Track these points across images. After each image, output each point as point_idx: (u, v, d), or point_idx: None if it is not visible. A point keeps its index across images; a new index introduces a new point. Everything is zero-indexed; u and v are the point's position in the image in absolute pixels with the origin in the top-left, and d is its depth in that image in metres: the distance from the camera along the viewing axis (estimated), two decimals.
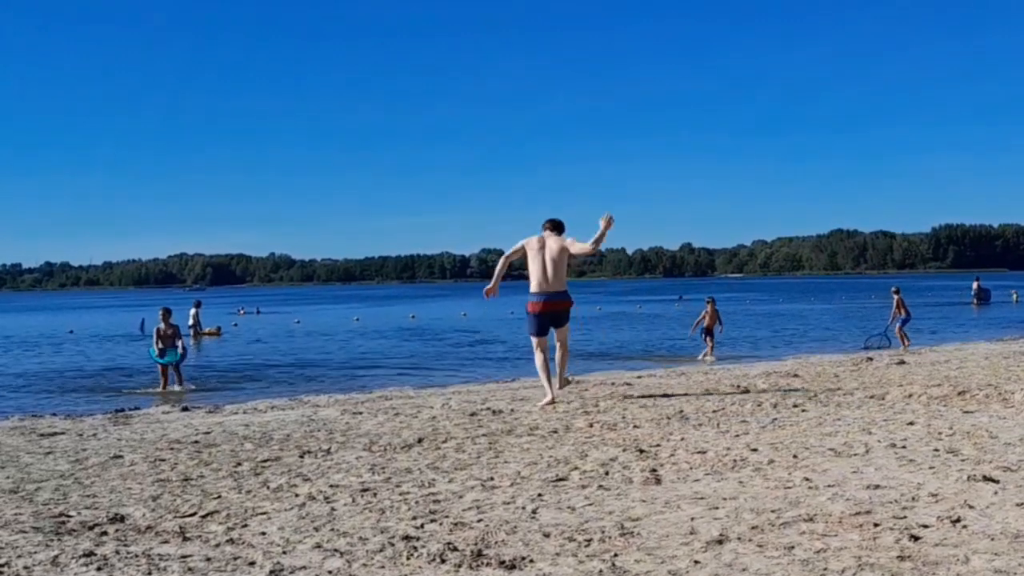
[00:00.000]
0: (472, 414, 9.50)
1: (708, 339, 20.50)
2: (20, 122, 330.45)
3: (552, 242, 10.04)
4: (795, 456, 6.69)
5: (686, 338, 23.01)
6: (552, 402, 9.90)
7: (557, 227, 10.22)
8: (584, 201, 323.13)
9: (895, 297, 22.64)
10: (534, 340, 10.22)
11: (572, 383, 11.04)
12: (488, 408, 9.92)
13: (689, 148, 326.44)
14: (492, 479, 6.24)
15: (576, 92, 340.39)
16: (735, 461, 6.57)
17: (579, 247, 10.10)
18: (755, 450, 6.99)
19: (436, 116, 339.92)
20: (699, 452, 6.97)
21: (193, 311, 31.41)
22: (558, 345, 10.41)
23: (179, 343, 16.12)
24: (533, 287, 10.04)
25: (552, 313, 10.11)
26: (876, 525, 4.73)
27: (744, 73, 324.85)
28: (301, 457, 7.30)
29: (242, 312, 53.08)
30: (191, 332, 30.41)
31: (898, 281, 35.80)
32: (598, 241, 10.08)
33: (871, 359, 15.78)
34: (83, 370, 20.76)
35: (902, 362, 14.79)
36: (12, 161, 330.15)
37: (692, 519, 5.00)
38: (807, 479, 5.89)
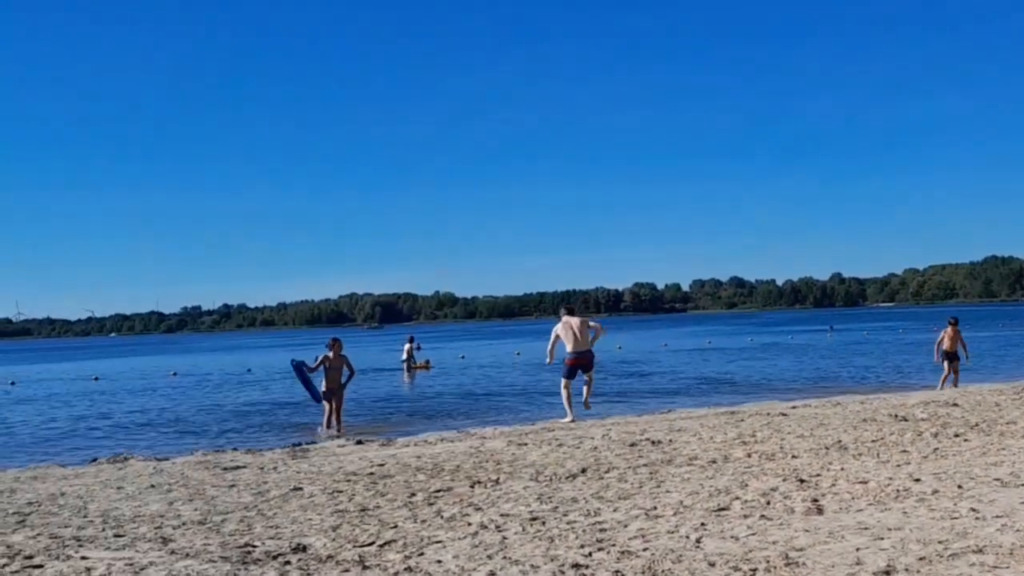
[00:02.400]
0: (632, 444, 9.69)
1: (949, 365, 18.63)
2: (203, 174, 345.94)
3: (577, 321, 14.25)
4: (960, 486, 6.64)
5: (931, 364, 21.68)
6: (573, 421, 13.50)
7: (572, 310, 14.63)
8: (731, 235, 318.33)
9: None
10: (564, 381, 14.17)
11: (591, 409, 14.34)
12: (647, 438, 10.09)
13: (839, 176, 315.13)
14: (655, 508, 6.42)
15: (732, 118, 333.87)
16: (898, 491, 6.56)
17: (596, 326, 14.52)
18: (918, 480, 6.96)
19: (583, 161, 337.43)
20: (860, 482, 6.98)
21: (407, 347, 33.86)
22: (587, 380, 14.23)
23: (347, 371, 14.99)
24: (569, 348, 14.02)
25: (580, 364, 14.09)
26: None
27: (890, 98, 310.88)
28: (471, 487, 7.63)
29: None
30: (404, 366, 32.12)
31: None
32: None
33: None
34: (261, 406, 21.69)
35: None
36: (192, 209, 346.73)
37: (857, 550, 5.06)
38: (974, 509, 5.86)
